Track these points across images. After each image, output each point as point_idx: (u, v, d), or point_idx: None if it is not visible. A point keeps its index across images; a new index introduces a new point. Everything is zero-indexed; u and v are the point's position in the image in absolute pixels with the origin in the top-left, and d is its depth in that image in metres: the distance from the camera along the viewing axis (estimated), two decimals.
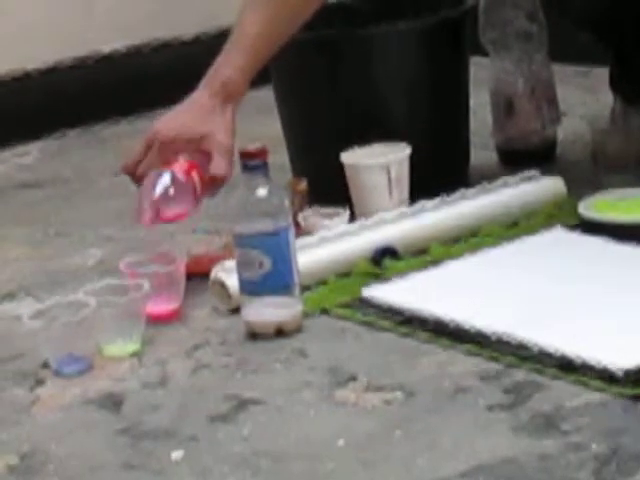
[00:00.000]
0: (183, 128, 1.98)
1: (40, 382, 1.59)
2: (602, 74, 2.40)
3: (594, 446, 1.26)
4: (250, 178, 1.65)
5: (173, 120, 2.02)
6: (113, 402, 1.52)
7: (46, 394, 1.56)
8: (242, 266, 1.65)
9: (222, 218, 1.86)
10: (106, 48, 2.90)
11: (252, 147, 1.66)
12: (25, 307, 1.82)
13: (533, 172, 2.03)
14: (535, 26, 2.23)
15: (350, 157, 1.95)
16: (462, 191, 1.99)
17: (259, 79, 2.18)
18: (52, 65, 2.80)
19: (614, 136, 2.28)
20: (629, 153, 2.25)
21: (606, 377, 1.41)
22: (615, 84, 2.34)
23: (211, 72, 2.02)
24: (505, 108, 2.24)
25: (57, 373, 1.60)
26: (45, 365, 1.63)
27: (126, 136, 2.67)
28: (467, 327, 1.58)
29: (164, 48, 3.03)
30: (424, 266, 1.81)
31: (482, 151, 2.26)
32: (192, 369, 1.60)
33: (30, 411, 1.53)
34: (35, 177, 2.47)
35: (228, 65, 2.02)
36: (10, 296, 1.89)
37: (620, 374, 1.39)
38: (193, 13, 3.05)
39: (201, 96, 2.01)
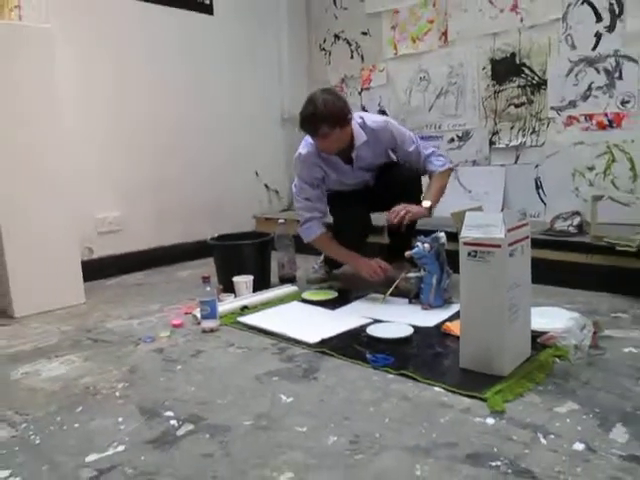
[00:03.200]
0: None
1: (137, 344, 1.60)
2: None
3: (303, 365, 1.34)
4: (204, 284, 1.65)
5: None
6: (160, 350, 1.52)
7: (140, 348, 1.56)
8: (202, 310, 1.66)
9: (197, 295, 1.69)
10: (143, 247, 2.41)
11: (205, 274, 1.66)
12: (137, 323, 1.77)
13: (289, 285, 2.03)
14: (291, 245, 2.08)
15: (236, 279, 1.92)
16: (270, 289, 1.94)
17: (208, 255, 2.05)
18: (104, 256, 2.40)
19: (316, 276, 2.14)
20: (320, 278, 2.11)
21: (308, 344, 1.45)
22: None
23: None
24: (281, 266, 2.14)
25: (143, 341, 1.61)
26: (139, 339, 1.63)
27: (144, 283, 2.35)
28: (271, 329, 1.59)
29: (168, 248, 2.60)
30: (258, 311, 1.77)
31: (275, 278, 2.11)
32: (185, 341, 1.59)
33: (135, 351, 1.54)
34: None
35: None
36: (135, 317, 1.79)
37: (312, 343, 1.46)
38: (178, 231, 2.64)
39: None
